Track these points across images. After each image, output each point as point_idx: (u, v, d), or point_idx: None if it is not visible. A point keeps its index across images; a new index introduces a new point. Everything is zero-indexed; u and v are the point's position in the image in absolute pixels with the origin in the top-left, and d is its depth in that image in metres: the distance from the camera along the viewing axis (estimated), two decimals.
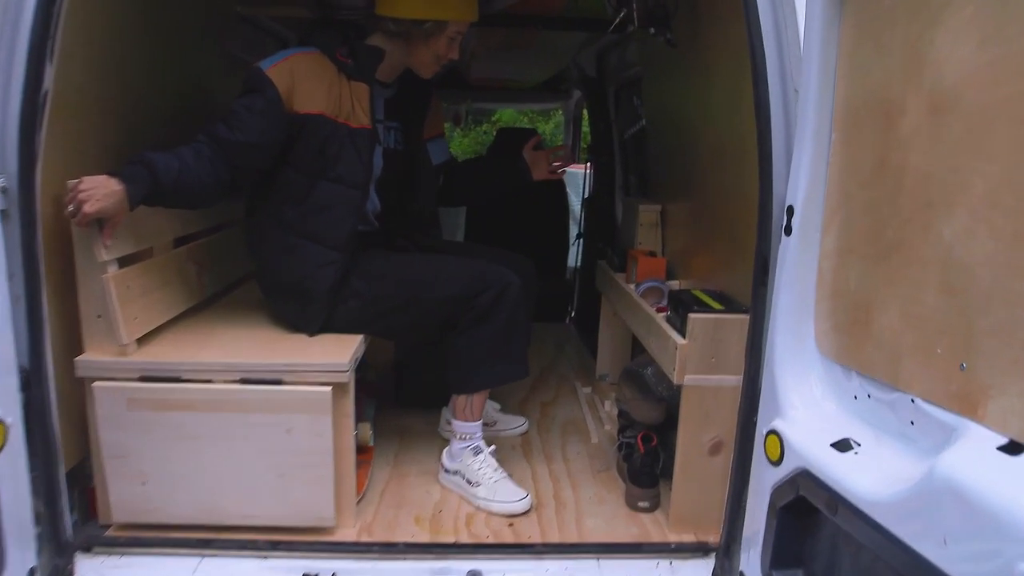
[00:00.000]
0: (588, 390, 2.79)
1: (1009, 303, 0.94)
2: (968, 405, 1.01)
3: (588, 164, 3.99)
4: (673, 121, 2.41)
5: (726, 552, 1.71)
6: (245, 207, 2.03)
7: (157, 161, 1.63)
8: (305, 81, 1.83)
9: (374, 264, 1.97)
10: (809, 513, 1.32)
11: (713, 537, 1.78)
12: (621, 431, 2.15)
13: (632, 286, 2.37)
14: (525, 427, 2.47)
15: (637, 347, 2.83)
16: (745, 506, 1.68)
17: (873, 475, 1.15)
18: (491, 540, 1.78)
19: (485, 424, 2.44)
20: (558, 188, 4.39)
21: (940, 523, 0.96)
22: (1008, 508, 0.88)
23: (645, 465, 1.92)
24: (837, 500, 1.18)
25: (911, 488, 1.03)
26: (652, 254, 2.50)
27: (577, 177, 4.12)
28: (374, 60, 1.94)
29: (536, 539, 1.79)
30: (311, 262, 1.89)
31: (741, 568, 1.54)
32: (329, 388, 1.68)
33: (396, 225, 2.16)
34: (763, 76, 1.50)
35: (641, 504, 1.92)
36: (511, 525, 1.85)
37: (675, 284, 2.36)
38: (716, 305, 1.77)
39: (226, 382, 1.68)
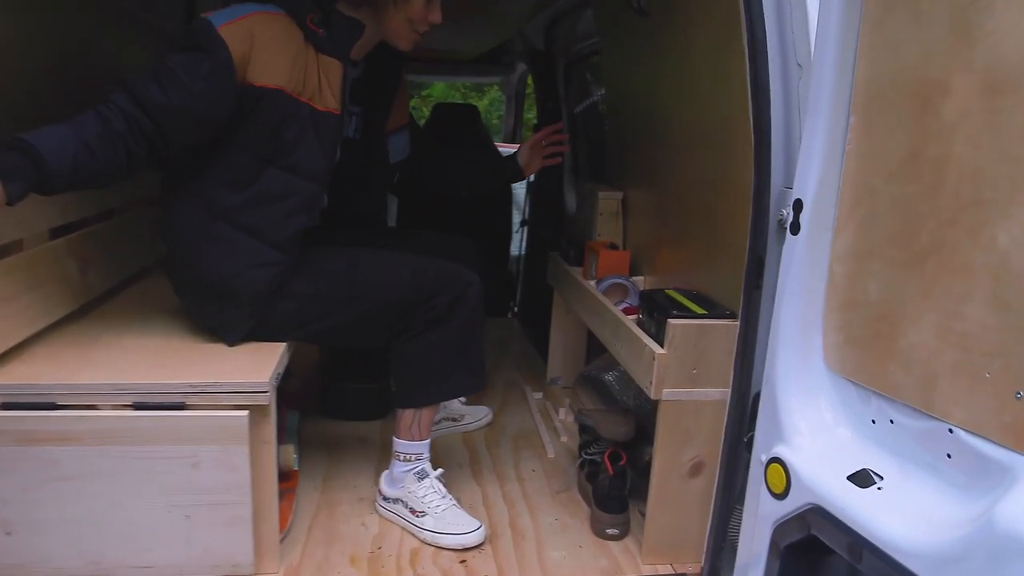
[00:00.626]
0: (539, 395, 2.64)
1: None
2: None
3: None
4: (638, 99, 2.26)
5: None
6: (162, 181, 1.73)
7: (43, 145, 1.31)
8: (265, 48, 1.56)
9: (315, 260, 1.73)
10: (818, 553, 1.20)
11: (691, 568, 1.67)
12: (583, 447, 2.00)
13: (592, 282, 2.22)
14: (490, 416, 2.38)
15: (593, 348, 2.70)
16: (727, 536, 1.57)
17: (905, 517, 1.03)
18: None
19: (452, 420, 2.27)
20: None
21: None
22: None
23: (614, 488, 1.78)
24: (862, 545, 1.06)
25: (963, 538, 0.91)
26: (613, 247, 2.35)
27: None
28: (353, 34, 1.69)
29: None
30: (243, 259, 1.63)
31: None
32: (245, 412, 1.45)
33: (339, 223, 1.92)
34: (762, 49, 1.36)
35: (610, 531, 1.77)
36: (463, 562, 1.67)
37: (640, 280, 2.23)
38: (697, 309, 1.63)
39: (115, 408, 1.43)
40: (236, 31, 1.53)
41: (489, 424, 2.40)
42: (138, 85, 1.46)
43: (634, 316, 1.86)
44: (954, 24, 0.97)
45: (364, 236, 1.95)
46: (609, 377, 2.40)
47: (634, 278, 2.23)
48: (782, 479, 1.23)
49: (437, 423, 2.23)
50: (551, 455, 2.21)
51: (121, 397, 1.43)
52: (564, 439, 2.31)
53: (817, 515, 1.16)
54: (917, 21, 1.03)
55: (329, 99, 1.65)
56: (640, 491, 1.88)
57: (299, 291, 1.68)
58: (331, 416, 2.35)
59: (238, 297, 1.64)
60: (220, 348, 1.65)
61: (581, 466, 1.99)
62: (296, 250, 1.69)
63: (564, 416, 2.47)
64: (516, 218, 4.10)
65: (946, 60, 0.99)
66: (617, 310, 1.92)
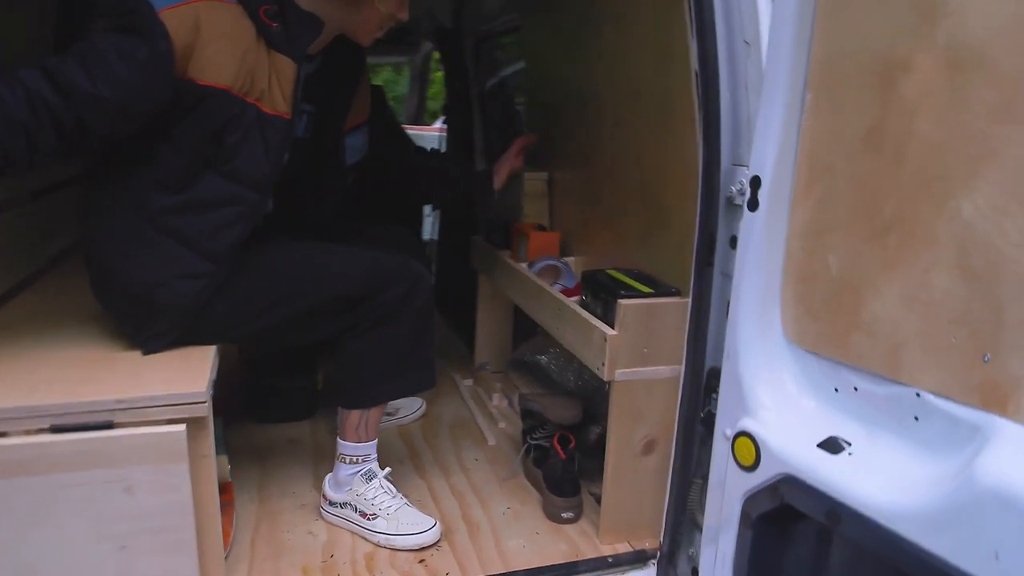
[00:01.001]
0: (469, 382, 2.61)
1: None
2: (996, 400, 0.96)
3: (442, 126, 3.74)
4: (565, 77, 2.25)
5: (670, 560, 1.64)
6: (86, 172, 1.56)
7: None
8: (212, 40, 1.41)
9: (250, 255, 1.58)
10: (789, 521, 1.25)
11: (649, 543, 1.71)
12: (528, 432, 2.00)
13: (524, 265, 2.20)
14: (424, 408, 2.35)
15: (519, 331, 2.70)
16: (686, 510, 1.61)
17: (880, 479, 1.08)
18: None
19: (387, 414, 2.21)
20: None
21: (988, 535, 0.90)
22: None
23: (567, 471, 1.79)
24: (840, 510, 1.11)
25: (943, 496, 0.97)
26: (542, 228, 2.35)
27: (430, 141, 3.85)
28: (310, 32, 1.56)
29: (456, 575, 1.59)
30: (171, 268, 1.49)
31: None
32: (182, 426, 1.34)
33: (287, 225, 1.76)
34: (710, 28, 1.37)
35: (565, 515, 1.78)
36: (422, 562, 1.63)
37: (571, 261, 2.24)
38: (643, 288, 1.65)
39: (28, 433, 1.28)
40: (180, 17, 1.37)
41: (423, 415, 2.35)
42: (59, 67, 1.27)
43: (575, 298, 1.87)
44: (915, 3, 1.01)
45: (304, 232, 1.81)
46: (543, 359, 2.42)
47: (565, 259, 2.24)
48: (751, 452, 1.27)
49: None
50: (492, 443, 2.19)
51: (35, 420, 1.28)
52: (502, 425, 2.30)
53: (790, 484, 1.20)
54: (878, 0, 1.06)
55: (279, 101, 1.53)
56: (588, 472, 1.90)
57: (232, 289, 1.55)
58: (256, 420, 2.23)
59: (160, 308, 1.50)
60: (143, 356, 1.51)
61: (527, 452, 1.99)
62: (230, 262, 1.54)
63: (498, 402, 2.45)
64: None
65: (908, 39, 1.03)
66: (558, 293, 1.92)
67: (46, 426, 1.29)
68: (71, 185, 2.28)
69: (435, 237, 3.88)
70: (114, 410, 1.31)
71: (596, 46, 1.97)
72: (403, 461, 2.06)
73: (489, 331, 2.70)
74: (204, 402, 1.36)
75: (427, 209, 3.92)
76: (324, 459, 2.06)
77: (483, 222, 3.00)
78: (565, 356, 2.28)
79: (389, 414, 2.27)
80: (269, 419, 2.21)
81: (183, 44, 1.38)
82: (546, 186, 2.42)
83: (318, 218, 1.85)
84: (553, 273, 2.18)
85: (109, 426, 1.31)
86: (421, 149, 2.26)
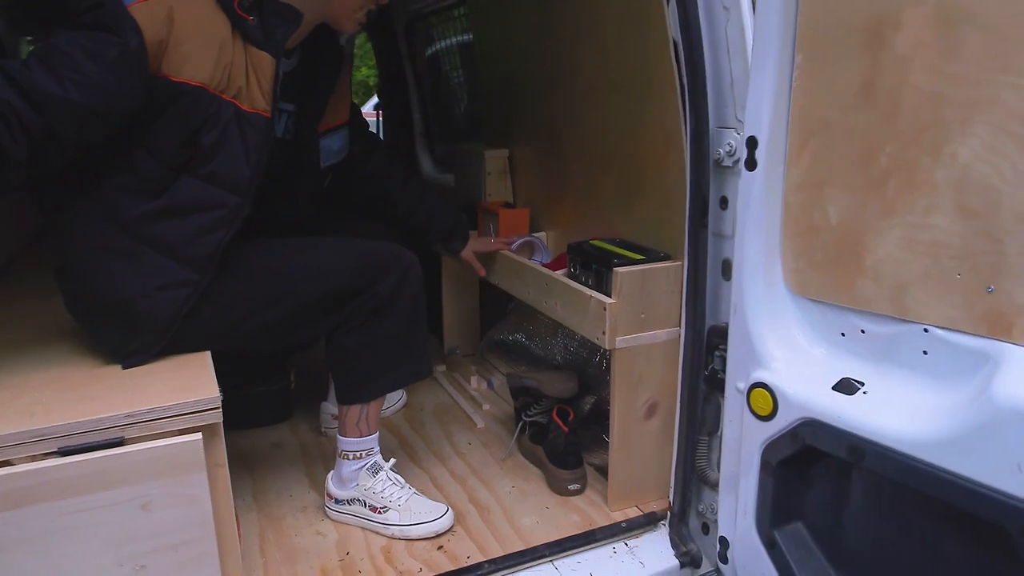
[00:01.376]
0: (442, 368, 2.65)
1: None
2: (1001, 327, 1.08)
3: (378, 110, 3.72)
4: (522, 52, 2.29)
5: (681, 518, 1.74)
6: (53, 179, 1.49)
7: None
8: (187, 35, 1.37)
9: (236, 257, 1.56)
10: (808, 464, 1.36)
11: (656, 505, 1.80)
12: (522, 410, 2.05)
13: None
14: (405, 398, 2.38)
15: (487, 314, 2.75)
16: (695, 468, 1.71)
17: (898, 412, 1.20)
18: (428, 573, 1.59)
19: None
20: None
21: (1011, 450, 1.02)
22: None
23: (571, 444, 1.86)
24: (862, 445, 1.22)
25: (965, 420, 1.08)
26: (509, 205, 2.40)
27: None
28: (288, 24, 1.52)
29: (478, 557, 1.64)
30: (152, 278, 1.46)
31: (722, 533, 1.55)
32: (198, 435, 1.33)
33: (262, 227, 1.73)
34: None
35: (572, 487, 1.86)
36: (441, 548, 1.67)
37: (543, 236, 2.30)
38: (633, 255, 1.73)
39: (35, 459, 1.25)
40: (151, 11, 1.33)
41: (405, 405, 2.38)
42: (21, 70, 1.22)
43: (561, 271, 1.93)
44: None
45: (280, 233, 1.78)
46: (520, 337, 2.48)
47: (537, 234, 2.30)
48: (768, 401, 1.37)
49: None
50: (481, 425, 2.24)
51: (41, 444, 1.25)
52: (487, 407, 2.35)
53: (810, 427, 1.31)
54: None
55: (258, 98, 1.49)
56: (584, 443, 1.98)
57: (219, 293, 1.53)
58: (234, 427, 2.17)
59: (143, 321, 1.46)
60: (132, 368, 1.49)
61: (522, 429, 2.05)
62: (213, 269, 1.51)
63: (477, 384, 2.50)
64: None
65: None
66: (543, 268, 1.97)
67: (53, 449, 1.26)
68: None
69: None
70: (124, 425, 1.29)
71: (560, 17, 2.01)
72: (395, 452, 2.08)
73: (456, 315, 2.74)
74: (217, 408, 1.35)
75: None
76: (313, 459, 2.07)
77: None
78: (546, 331, 2.35)
79: None
80: (247, 425, 2.19)
81: (155, 39, 1.34)
82: (507, 163, 2.47)
83: (292, 220, 1.83)
84: (528, 249, 2.24)
85: (120, 443, 1.29)
86: (413, 176, 2.21)
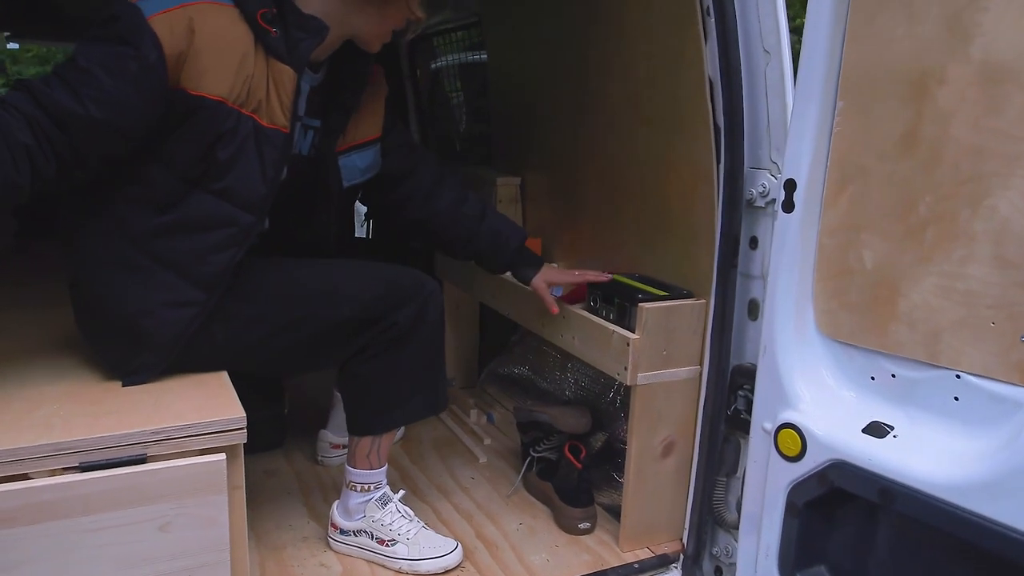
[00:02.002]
0: None
1: None
2: None
3: None
4: (541, 81, 2.40)
5: (695, 561, 1.81)
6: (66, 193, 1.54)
7: None
8: (207, 47, 1.40)
9: (251, 275, 1.59)
10: (835, 506, 1.45)
11: (668, 547, 1.87)
12: (530, 445, 2.12)
13: (508, 274, 2.33)
14: (403, 432, 2.40)
15: (487, 346, 2.82)
16: (712, 509, 1.79)
17: (928, 456, 1.29)
18: None
19: None
20: None
21: None
22: None
23: (583, 481, 1.92)
24: (892, 487, 1.31)
25: (999, 465, 1.18)
26: None
27: None
28: (313, 37, 1.54)
29: None
30: (156, 295, 1.50)
31: (740, 575, 1.62)
32: (222, 455, 1.38)
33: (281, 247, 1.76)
34: (733, 35, 1.56)
35: (582, 526, 1.92)
36: None
37: (554, 267, 2.39)
38: (656, 291, 1.82)
39: (54, 473, 1.29)
40: (172, 23, 1.37)
41: (403, 437, 2.43)
42: (43, 90, 1.28)
43: (579, 304, 2.01)
44: (948, 22, 1.23)
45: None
46: (523, 371, 2.55)
47: (550, 265, 2.38)
48: (796, 442, 1.46)
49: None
50: (483, 460, 2.30)
51: (62, 459, 1.29)
52: (488, 442, 2.41)
53: (839, 469, 1.39)
54: (911, 18, 1.28)
55: (277, 113, 1.52)
56: (594, 480, 2.05)
57: (233, 314, 1.57)
58: None
59: (146, 339, 1.50)
60: (158, 381, 1.54)
61: (529, 465, 2.11)
62: (222, 289, 1.54)
63: (476, 418, 2.56)
64: (360, 208, 4.04)
65: (941, 53, 1.24)
66: (559, 300, 2.05)
67: (74, 464, 1.30)
68: None
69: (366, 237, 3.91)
70: (148, 442, 1.34)
71: (587, 45, 2.12)
72: (397, 486, 2.12)
73: (455, 346, 2.80)
74: (242, 428, 1.41)
75: (361, 211, 3.96)
76: (310, 488, 2.11)
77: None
78: (554, 365, 2.43)
79: None
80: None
81: (175, 52, 1.38)
82: (519, 191, 2.56)
83: (313, 241, 1.83)
84: None
85: (142, 460, 1.33)
86: (471, 195, 2.01)
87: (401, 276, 1.72)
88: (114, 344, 1.54)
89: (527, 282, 1.98)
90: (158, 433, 1.34)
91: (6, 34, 3.93)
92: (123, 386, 1.52)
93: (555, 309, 1.93)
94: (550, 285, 1.95)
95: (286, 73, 1.52)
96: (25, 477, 1.28)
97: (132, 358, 1.52)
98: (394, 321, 1.65)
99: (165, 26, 1.37)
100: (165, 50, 1.37)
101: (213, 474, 1.37)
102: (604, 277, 1.92)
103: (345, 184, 1.82)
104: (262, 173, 1.53)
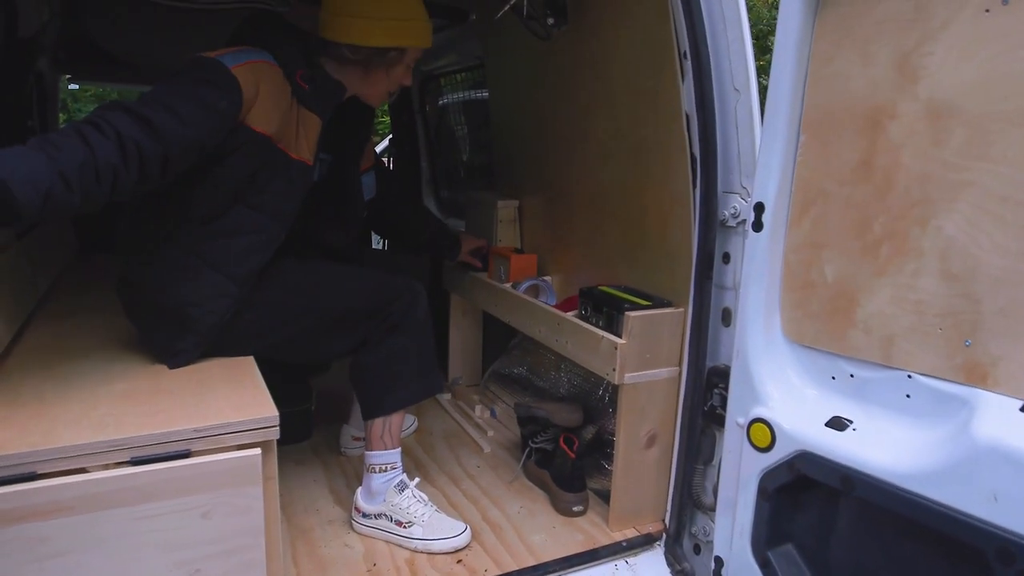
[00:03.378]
0: (448, 396, 2.68)
1: (1021, 284, 1.10)
2: (977, 375, 1.17)
3: (389, 157, 3.79)
4: (536, 114, 2.39)
5: (676, 539, 1.79)
6: (125, 206, 1.63)
7: (13, 176, 1.11)
8: (267, 97, 1.55)
9: (275, 272, 1.71)
10: (801, 491, 1.43)
11: (653, 527, 1.85)
12: (529, 437, 2.10)
13: (507, 285, 2.32)
14: (416, 423, 2.43)
15: (489, 349, 2.80)
16: (691, 493, 1.77)
17: (884, 448, 1.27)
18: None
19: None
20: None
21: (988, 482, 1.10)
22: None
23: (577, 469, 1.90)
24: (853, 475, 1.29)
25: (947, 455, 1.16)
26: (518, 251, 2.47)
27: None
28: (335, 96, 1.73)
29: (494, 571, 1.67)
30: (204, 290, 1.58)
31: (717, 553, 1.60)
32: (257, 450, 1.36)
33: (316, 251, 1.91)
34: (707, 74, 1.55)
35: (576, 509, 1.90)
36: (460, 562, 1.70)
37: (549, 280, 2.37)
38: (640, 301, 1.80)
39: (108, 467, 1.26)
40: (247, 75, 1.51)
41: (416, 430, 2.41)
42: (147, 111, 1.33)
43: (572, 312, 1.99)
44: (898, 64, 1.22)
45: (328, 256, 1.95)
46: (521, 371, 2.53)
47: (544, 278, 2.37)
48: (767, 435, 1.44)
49: None
50: (487, 450, 2.27)
51: (115, 454, 1.27)
52: (491, 434, 2.38)
53: (805, 459, 1.38)
54: (864, 60, 1.27)
55: (304, 150, 1.66)
56: (586, 468, 2.03)
57: (260, 300, 1.67)
58: None
59: (194, 325, 1.59)
60: (197, 380, 1.53)
61: (528, 455, 2.09)
62: (250, 284, 1.66)
63: (481, 413, 2.54)
64: None
65: (892, 92, 1.23)
66: (554, 309, 2.04)
67: (126, 459, 1.27)
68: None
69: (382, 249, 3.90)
70: (192, 439, 1.31)
71: (576, 84, 2.11)
72: (411, 472, 2.10)
73: (461, 348, 2.79)
74: (275, 426, 1.38)
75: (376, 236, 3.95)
76: (335, 476, 2.08)
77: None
78: (549, 366, 2.41)
79: None
80: None
81: (249, 97, 1.52)
82: (517, 212, 2.55)
83: (344, 244, 1.97)
84: (535, 291, 2.30)
85: (187, 455, 1.31)
86: (420, 206, 2.50)
87: (393, 279, 1.83)
88: (161, 331, 1.61)
89: (456, 258, 2.43)
90: (200, 431, 1.32)
91: (67, 77, 3.91)
92: (169, 368, 1.58)
93: (479, 264, 2.45)
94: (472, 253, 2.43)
95: (313, 119, 1.69)
96: (82, 471, 1.26)
97: (177, 342, 1.59)
98: (388, 313, 1.75)
99: (245, 75, 1.50)
100: (244, 94, 1.50)
101: (249, 467, 1.35)
102: (485, 243, 2.46)
103: (366, 197, 2.04)
104: (289, 193, 1.67)
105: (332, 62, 1.71)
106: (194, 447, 1.32)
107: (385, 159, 3.87)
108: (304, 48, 1.67)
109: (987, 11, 1.10)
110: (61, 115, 3.95)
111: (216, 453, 1.33)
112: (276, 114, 1.57)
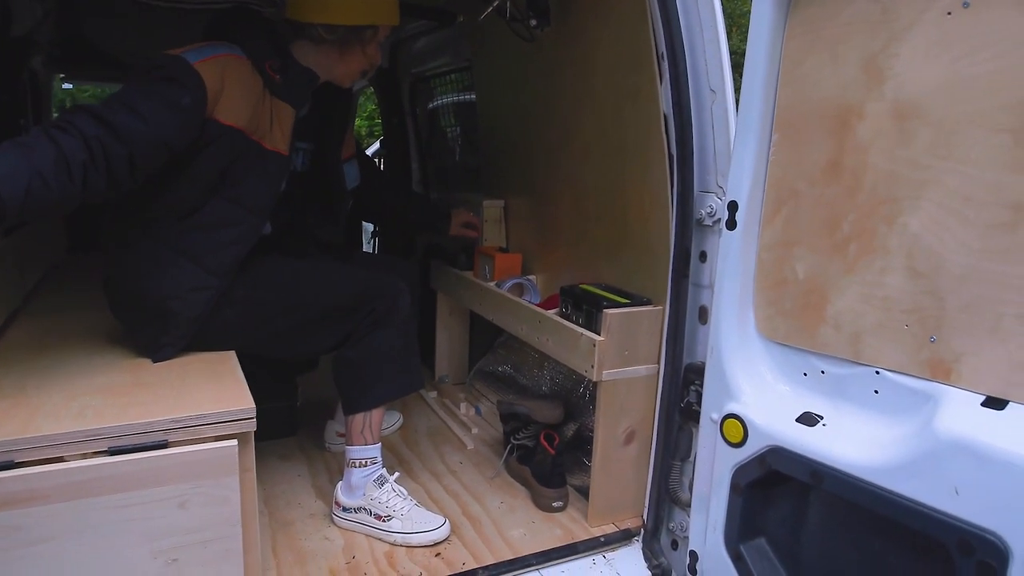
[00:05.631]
0: (434, 394, 2.69)
1: (983, 281, 1.12)
2: (941, 371, 1.19)
3: (380, 158, 3.80)
4: (522, 115, 2.40)
5: (654, 535, 1.80)
6: (106, 204, 1.61)
7: (4, 182, 1.17)
8: (233, 88, 1.56)
9: (256, 269, 1.71)
10: (772, 486, 1.44)
11: (631, 523, 1.86)
12: (511, 434, 2.10)
13: (491, 284, 2.32)
14: (401, 420, 2.43)
15: (475, 347, 2.81)
16: (668, 489, 1.78)
17: (853, 442, 1.28)
18: None
19: None
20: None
21: (949, 476, 1.11)
22: (1010, 451, 1.05)
23: (557, 465, 1.91)
24: (822, 470, 1.30)
25: (910, 450, 1.17)
26: (503, 250, 2.47)
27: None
28: (307, 84, 1.73)
29: (472, 564, 1.67)
30: (183, 283, 1.59)
31: (692, 547, 1.61)
32: (234, 441, 1.36)
33: (300, 244, 1.92)
34: (684, 76, 1.56)
35: (555, 504, 1.90)
36: (439, 555, 1.70)
37: (533, 278, 2.38)
38: (619, 299, 1.81)
39: (86, 456, 1.27)
40: (211, 69, 1.51)
41: (401, 426, 2.41)
42: (108, 112, 1.35)
43: (553, 310, 2.00)
44: (866, 65, 1.23)
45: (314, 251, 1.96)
46: (506, 369, 2.54)
47: (528, 276, 2.38)
48: (739, 430, 1.45)
49: None
50: (470, 447, 2.28)
51: (93, 443, 1.27)
52: (475, 431, 2.39)
53: (776, 454, 1.39)
54: (834, 62, 1.28)
55: (278, 140, 1.67)
56: (567, 464, 2.03)
57: (241, 297, 1.67)
58: None
59: (176, 318, 1.60)
60: (177, 374, 1.54)
61: (510, 451, 2.10)
62: (232, 276, 1.66)
63: (465, 410, 2.55)
64: (367, 227, 4.05)
65: (860, 92, 1.25)
66: (535, 307, 2.05)
67: (104, 448, 1.28)
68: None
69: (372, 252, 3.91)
70: (169, 429, 1.32)
71: (561, 85, 2.12)
72: (393, 468, 2.10)
73: (447, 347, 2.80)
74: (252, 418, 1.39)
75: (367, 235, 3.96)
76: (318, 471, 2.09)
77: (419, 248, 3.11)
78: (532, 364, 2.42)
79: None
80: (256, 438, 2.19)
81: (214, 91, 1.52)
82: (503, 212, 2.56)
83: (328, 235, 1.98)
84: (519, 290, 2.31)
85: (164, 445, 1.32)
86: (404, 187, 2.58)
87: (378, 276, 1.83)
88: (145, 325, 1.63)
89: (447, 232, 2.46)
90: (178, 422, 1.33)
91: (61, 76, 3.92)
92: (153, 362, 1.60)
93: (475, 235, 2.48)
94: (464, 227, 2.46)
95: (286, 109, 1.69)
96: (60, 460, 1.26)
97: (160, 335, 1.61)
98: (372, 308, 1.75)
99: (208, 71, 1.51)
100: (208, 89, 1.50)
101: (226, 458, 1.35)
102: (475, 219, 2.48)
103: (348, 186, 2.02)
104: (267, 185, 1.68)
105: (307, 44, 1.72)
106: (171, 437, 1.33)
107: (377, 161, 3.88)
108: (273, 39, 1.68)
109: (949, 14, 1.12)
110: (57, 115, 3.95)
111: (193, 444, 1.34)
112: (245, 106, 1.58)
